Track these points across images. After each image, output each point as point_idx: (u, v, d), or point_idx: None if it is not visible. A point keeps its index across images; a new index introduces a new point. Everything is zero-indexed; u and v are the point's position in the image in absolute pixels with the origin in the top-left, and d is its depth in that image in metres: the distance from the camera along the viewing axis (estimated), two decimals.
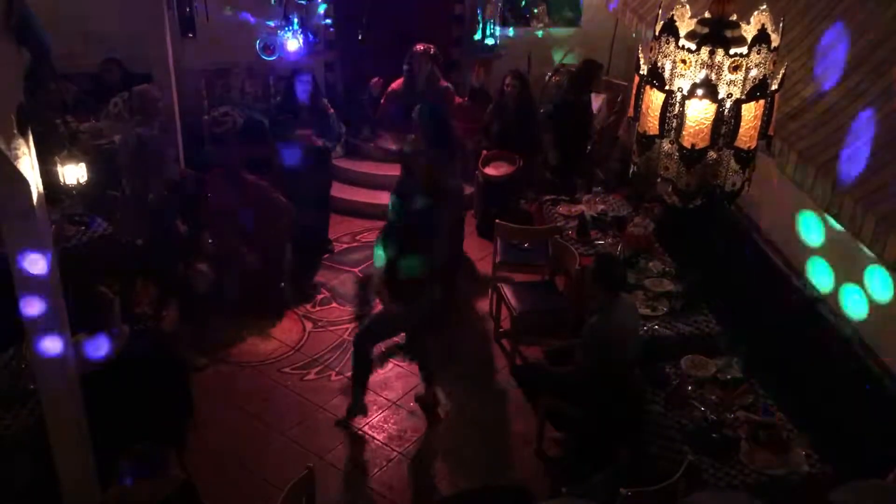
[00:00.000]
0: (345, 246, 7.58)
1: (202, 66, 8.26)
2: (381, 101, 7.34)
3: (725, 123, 2.78)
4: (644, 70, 2.90)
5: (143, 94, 6.59)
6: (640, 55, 2.97)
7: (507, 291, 6.22)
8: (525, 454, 5.40)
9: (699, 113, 2.75)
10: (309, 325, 6.58)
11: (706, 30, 2.72)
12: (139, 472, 3.79)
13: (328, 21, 8.48)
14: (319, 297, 6.92)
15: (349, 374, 6.01)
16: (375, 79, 7.35)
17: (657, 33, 2.80)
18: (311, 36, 8.38)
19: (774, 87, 2.79)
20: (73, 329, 4.42)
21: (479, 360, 6.34)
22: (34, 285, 3.87)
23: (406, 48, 7.33)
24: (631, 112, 3.04)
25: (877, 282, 4.58)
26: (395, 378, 6.06)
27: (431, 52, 7.28)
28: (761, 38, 2.67)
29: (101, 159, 6.66)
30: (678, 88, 2.78)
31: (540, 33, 8.78)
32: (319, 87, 7.19)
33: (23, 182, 3.60)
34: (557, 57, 8.78)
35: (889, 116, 3.75)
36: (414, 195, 5.46)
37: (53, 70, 6.64)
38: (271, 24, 8.29)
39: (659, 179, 3.02)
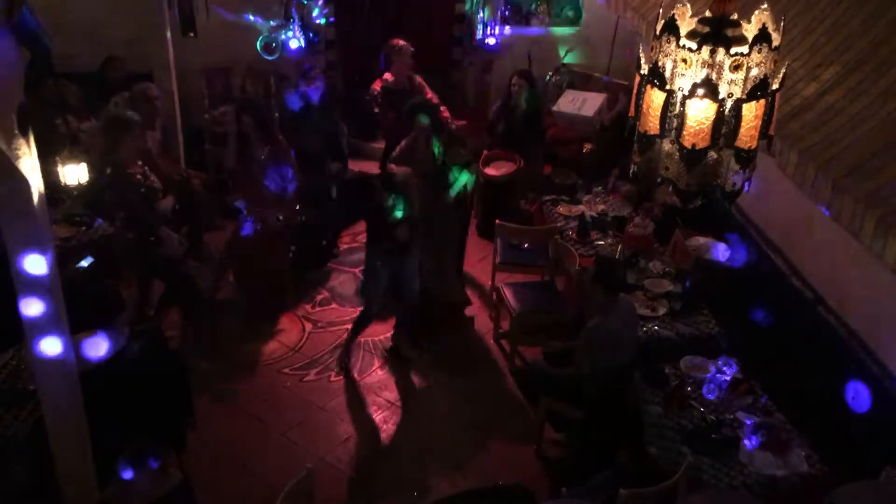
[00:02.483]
0: (345, 246, 7.57)
1: (202, 65, 8.26)
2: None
3: (726, 123, 2.78)
4: (645, 69, 2.90)
5: (143, 92, 6.58)
6: (641, 54, 2.97)
7: (507, 292, 6.21)
8: (525, 454, 5.40)
9: (700, 112, 2.75)
10: (309, 326, 6.58)
11: (707, 29, 2.72)
12: (139, 467, 3.79)
13: (328, 20, 8.50)
14: (319, 297, 6.92)
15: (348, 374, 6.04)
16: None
17: (658, 32, 2.79)
18: (311, 35, 8.40)
19: (775, 86, 2.79)
20: (76, 328, 4.43)
21: (478, 360, 6.34)
22: (34, 285, 3.86)
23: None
24: (632, 112, 3.04)
25: None
26: (395, 378, 6.06)
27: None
28: (762, 37, 2.66)
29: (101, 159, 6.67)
30: (679, 88, 2.78)
31: (540, 33, 8.79)
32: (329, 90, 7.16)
33: (23, 182, 3.59)
34: (566, 56, 8.79)
35: (889, 116, 3.75)
36: None
37: (53, 70, 6.67)
38: (272, 23, 8.31)
39: (659, 179, 3.02)
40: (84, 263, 5.56)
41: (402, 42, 6.99)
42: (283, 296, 6.73)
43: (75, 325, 4.45)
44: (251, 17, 8.37)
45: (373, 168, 8.08)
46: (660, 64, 2.80)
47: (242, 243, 6.45)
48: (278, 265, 6.62)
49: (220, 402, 5.71)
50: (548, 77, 8.64)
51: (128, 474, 3.94)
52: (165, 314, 6.21)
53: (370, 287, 5.99)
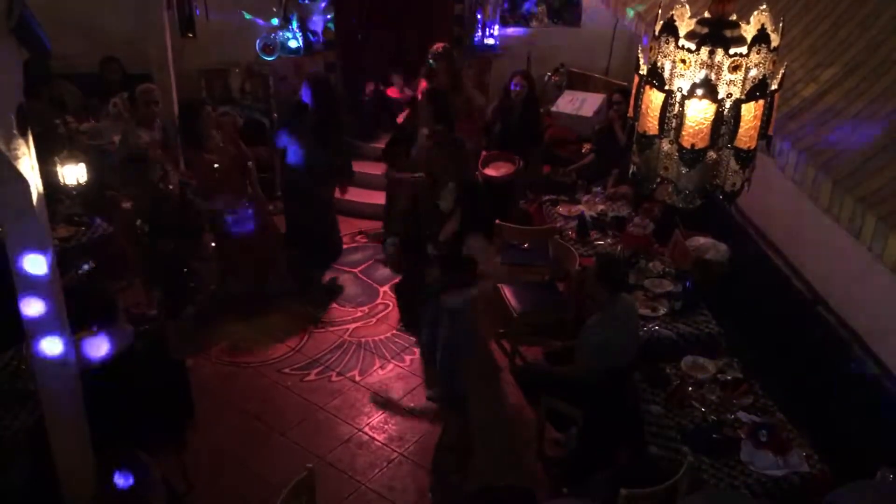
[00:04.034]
0: (345, 247, 7.57)
1: (202, 66, 8.26)
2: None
3: (725, 123, 2.78)
4: (644, 70, 2.90)
5: (143, 95, 6.59)
6: (640, 55, 2.98)
7: (507, 291, 6.21)
8: (525, 455, 5.40)
9: (699, 113, 2.75)
10: (309, 326, 6.58)
11: (706, 30, 2.72)
12: (126, 479, 3.80)
13: (328, 21, 8.50)
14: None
15: (349, 374, 6.03)
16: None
17: (657, 33, 2.80)
18: (311, 36, 8.40)
19: (774, 86, 2.79)
20: (75, 327, 4.43)
21: (479, 360, 6.33)
22: (34, 285, 3.86)
23: (406, 48, 7.33)
24: (631, 112, 3.04)
25: None
26: (395, 378, 6.06)
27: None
28: (761, 37, 2.67)
29: (100, 160, 6.67)
30: (678, 88, 2.78)
31: (539, 33, 8.80)
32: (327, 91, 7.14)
33: (23, 182, 3.60)
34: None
35: (889, 116, 3.75)
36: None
37: (50, 70, 6.67)
38: (272, 23, 8.31)
39: (658, 180, 3.02)
40: (84, 268, 5.58)
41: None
42: (268, 282, 6.82)
43: (75, 326, 4.46)
44: (250, 18, 8.37)
45: (369, 168, 8.07)
46: (658, 64, 2.80)
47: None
48: (262, 253, 6.70)
49: (220, 402, 5.71)
50: (547, 77, 8.64)
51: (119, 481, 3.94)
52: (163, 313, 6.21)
53: (444, 363, 5.61)
